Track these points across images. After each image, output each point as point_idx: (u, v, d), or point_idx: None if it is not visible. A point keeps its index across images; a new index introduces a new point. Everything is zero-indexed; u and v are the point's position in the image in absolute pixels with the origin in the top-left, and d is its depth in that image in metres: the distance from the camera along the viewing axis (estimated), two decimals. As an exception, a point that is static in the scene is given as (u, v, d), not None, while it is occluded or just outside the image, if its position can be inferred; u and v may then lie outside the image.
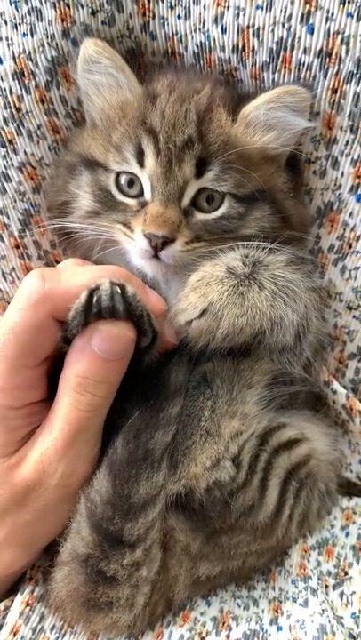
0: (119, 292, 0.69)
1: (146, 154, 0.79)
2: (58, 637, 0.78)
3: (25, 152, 0.87)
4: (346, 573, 0.85)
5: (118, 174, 0.82)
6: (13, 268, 0.94)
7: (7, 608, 0.80)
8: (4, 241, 0.92)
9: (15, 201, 0.90)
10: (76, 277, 0.72)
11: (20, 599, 0.80)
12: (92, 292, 0.69)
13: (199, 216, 0.81)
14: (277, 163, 0.85)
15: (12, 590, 0.83)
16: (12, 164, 0.88)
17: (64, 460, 0.73)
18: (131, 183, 0.82)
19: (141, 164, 0.80)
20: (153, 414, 0.75)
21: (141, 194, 0.81)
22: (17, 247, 0.92)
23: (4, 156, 0.87)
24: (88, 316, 0.69)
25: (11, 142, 0.86)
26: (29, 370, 0.73)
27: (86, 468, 0.76)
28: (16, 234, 0.92)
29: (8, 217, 0.90)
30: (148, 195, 0.80)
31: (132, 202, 0.82)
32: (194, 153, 0.78)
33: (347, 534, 0.91)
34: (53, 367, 0.76)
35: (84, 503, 0.75)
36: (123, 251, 0.84)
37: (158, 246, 0.78)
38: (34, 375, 0.74)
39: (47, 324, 0.71)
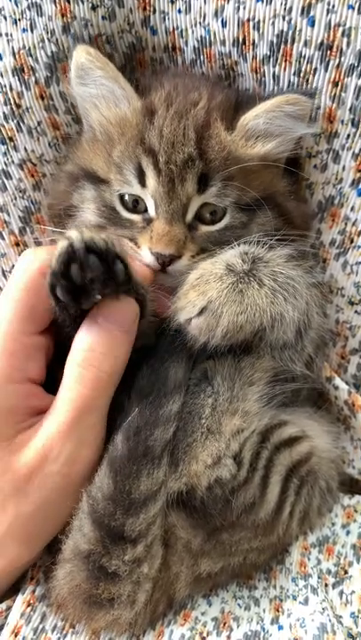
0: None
1: (147, 174, 0.79)
2: (59, 637, 0.78)
3: (25, 149, 0.88)
4: (346, 572, 0.85)
5: (122, 195, 0.82)
6: (13, 266, 0.92)
7: (9, 608, 0.79)
8: (4, 238, 0.92)
9: (15, 198, 0.90)
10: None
11: (21, 599, 0.80)
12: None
13: (203, 229, 0.81)
14: (277, 167, 0.85)
15: (14, 590, 0.82)
16: (13, 162, 0.88)
17: (67, 445, 0.73)
18: (135, 202, 0.82)
19: (143, 183, 0.80)
20: (152, 411, 0.75)
21: (146, 210, 0.82)
22: (17, 245, 0.93)
23: (5, 153, 0.87)
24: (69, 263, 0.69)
25: (11, 139, 0.87)
26: (26, 336, 0.75)
27: (90, 455, 0.75)
28: (16, 231, 0.92)
29: (8, 214, 0.91)
30: (152, 212, 0.81)
31: (137, 218, 0.82)
32: (195, 171, 0.78)
33: (347, 532, 0.90)
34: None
35: (86, 500, 0.75)
36: None
37: (166, 263, 0.79)
38: (31, 344, 0.76)
39: (39, 281, 0.73)
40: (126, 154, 0.80)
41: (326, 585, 0.84)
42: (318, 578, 0.84)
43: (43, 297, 0.72)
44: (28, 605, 0.79)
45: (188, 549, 0.79)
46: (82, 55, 0.80)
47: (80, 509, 0.76)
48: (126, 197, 0.82)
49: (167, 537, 0.78)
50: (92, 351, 0.72)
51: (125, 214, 0.83)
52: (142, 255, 0.80)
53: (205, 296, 0.75)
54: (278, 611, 0.82)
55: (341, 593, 0.83)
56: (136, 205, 0.82)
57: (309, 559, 0.87)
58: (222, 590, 0.86)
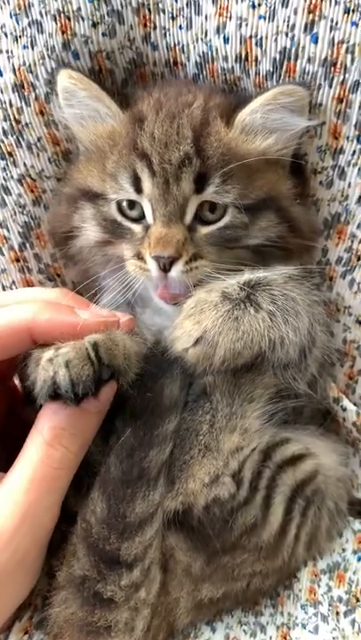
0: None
1: (142, 179, 0.79)
2: (56, 665, 0.76)
3: (25, 164, 0.88)
4: (358, 600, 0.83)
5: (119, 202, 0.82)
6: (13, 282, 0.94)
7: (6, 637, 0.78)
8: (3, 254, 0.92)
9: (15, 214, 0.91)
10: None
11: (18, 626, 0.78)
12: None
13: (203, 230, 0.80)
14: (281, 168, 0.84)
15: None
16: (12, 177, 0.88)
17: (21, 530, 0.67)
18: (132, 205, 0.81)
19: (139, 190, 0.79)
20: (147, 432, 0.74)
21: (144, 216, 0.81)
22: (17, 260, 0.93)
23: (4, 168, 0.88)
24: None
25: (10, 154, 0.87)
26: None
27: (43, 537, 0.71)
28: (16, 247, 0.92)
29: (8, 230, 0.91)
30: (149, 217, 0.80)
31: (137, 228, 0.81)
32: (192, 169, 0.77)
33: (359, 559, 0.88)
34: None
35: (80, 524, 0.74)
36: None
37: (166, 267, 0.77)
38: None
39: (20, 335, 0.70)
40: (120, 162, 0.80)
41: (338, 613, 0.82)
42: (329, 605, 0.82)
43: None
44: (25, 633, 0.78)
45: (187, 573, 0.77)
46: (65, 79, 0.81)
47: (74, 534, 0.74)
48: (124, 204, 0.81)
49: (166, 560, 0.77)
50: (63, 430, 0.68)
51: (125, 223, 0.82)
52: (150, 269, 0.79)
53: (200, 325, 0.74)
54: (286, 638, 0.80)
55: (353, 622, 0.80)
56: (133, 209, 0.81)
57: (320, 586, 0.85)
58: (227, 616, 0.84)
